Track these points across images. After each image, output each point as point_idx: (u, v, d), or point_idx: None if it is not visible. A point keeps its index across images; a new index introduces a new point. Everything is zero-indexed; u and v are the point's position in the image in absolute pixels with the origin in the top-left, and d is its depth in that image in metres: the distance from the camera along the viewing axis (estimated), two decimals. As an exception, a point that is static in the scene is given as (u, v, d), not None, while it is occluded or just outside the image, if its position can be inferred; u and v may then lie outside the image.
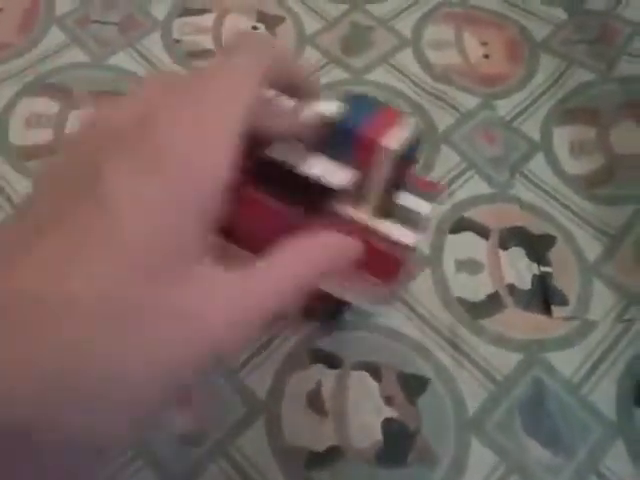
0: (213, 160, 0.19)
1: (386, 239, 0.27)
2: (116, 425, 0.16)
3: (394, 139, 0.25)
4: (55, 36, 0.49)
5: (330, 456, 0.33)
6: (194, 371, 0.17)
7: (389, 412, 0.35)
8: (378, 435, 0.34)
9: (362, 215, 0.27)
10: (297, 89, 0.25)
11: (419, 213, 0.27)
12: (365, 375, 0.36)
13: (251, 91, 0.21)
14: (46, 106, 0.45)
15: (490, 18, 0.52)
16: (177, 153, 0.18)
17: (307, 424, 0.34)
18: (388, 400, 0.35)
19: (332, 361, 0.36)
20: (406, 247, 0.27)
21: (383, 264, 0.27)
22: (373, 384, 0.35)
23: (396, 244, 0.27)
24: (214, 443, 0.33)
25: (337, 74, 0.48)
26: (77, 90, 0.46)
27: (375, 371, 0.36)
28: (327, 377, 0.36)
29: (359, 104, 0.26)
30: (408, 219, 0.27)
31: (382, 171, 0.25)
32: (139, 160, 0.18)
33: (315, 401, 0.35)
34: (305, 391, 0.35)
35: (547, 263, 0.40)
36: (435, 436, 0.34)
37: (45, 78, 0.46)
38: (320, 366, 0.36)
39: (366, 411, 0.35)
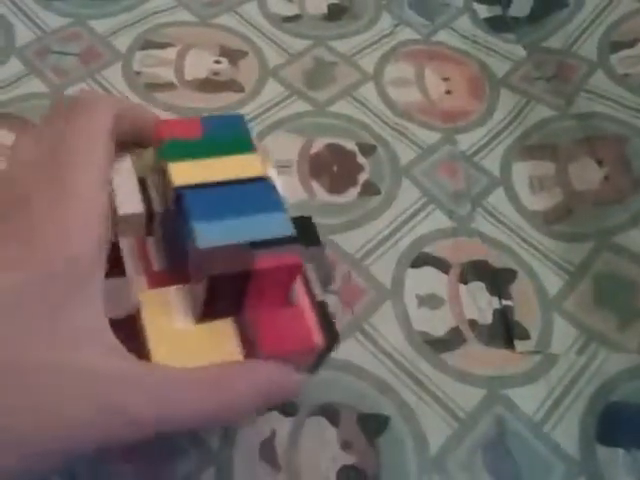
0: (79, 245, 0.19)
1: None
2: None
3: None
4: (14, 66, 0.48)
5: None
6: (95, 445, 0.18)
7: (346, 459, 0.33)
8: (333, 487, 0.33)
9: None
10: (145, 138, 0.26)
11: None
12: (322, 420, 0.34)
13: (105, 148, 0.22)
14: (2, 136, 0.44)
15: (452, 54, 0.53)
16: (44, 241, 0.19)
17: (259, 477, 0.33)
18: (346, 445, 0.34)
19: (287, 408, 0.35)
20: None
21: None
22: (331, 430, 0.34)
23: None
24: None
25: (300, 106, 0.48)
26: (35, 120, 0.45)
27: (333, 414, 0.35)
28: (282, 425, 0.34)
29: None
30: None
31: None
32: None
33: (268, 452, 0.33)
34: (259, 440, 0.34)
35: (508, 297, 0.40)
36: (395, 479, 0.33)
37: (2, 108, 0.45)
38: (275, 413, 0.34)
39: (322, 462, 0.33)
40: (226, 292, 0.22)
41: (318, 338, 0.25)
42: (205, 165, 0.24)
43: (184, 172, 0.23)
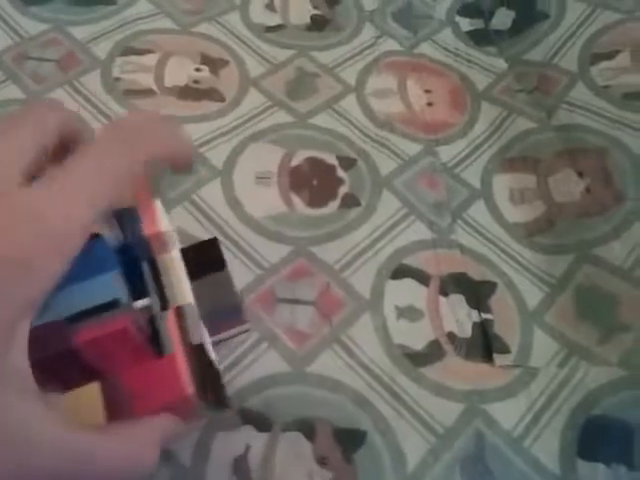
0: None
1: None
2: None
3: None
4: (-10, 72, 0.47)
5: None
6: None
7: (323, 474, 0.33)
8: (308, 504, 0.32)
9: None
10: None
11: None
12: (298, 436, 0.34)
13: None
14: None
15: (432, 66, 0.53)
16: None
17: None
18: (322, 461, 0.33)
19: (262, 422, 0.34)
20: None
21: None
22: (306, 445, 0.33)
23: None
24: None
25: (281, 117, 0.47)
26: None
27: (309, 430, 0.34)
28: (256, 441, 0.33)
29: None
30: None
31: None
32: None
33: (242, 469, 0.32)
34: (232, 456, 0.33)
35: (488, 310, 0.39)
36: (372, 494, 0.32)
37: (-25, 114, 0.45)
38: (249, 427, 0.34)
39: (297, 477, 0.32)
40: (60, 369, 0.22)
41: (189, 386, 0.24)
42: None
43: None
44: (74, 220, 0.20)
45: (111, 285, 0.23)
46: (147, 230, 0.27)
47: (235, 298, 0.29)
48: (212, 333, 0.29)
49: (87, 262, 0.22)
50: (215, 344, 0.29)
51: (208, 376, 0.25)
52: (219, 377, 0.26)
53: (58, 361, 0.21)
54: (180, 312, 0.26)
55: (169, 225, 0.28)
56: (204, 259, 0.27)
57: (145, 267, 0.26)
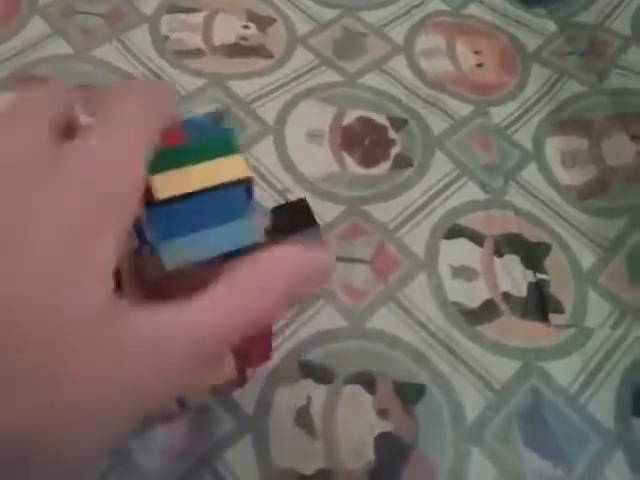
0: None
1: None
2: (84, 441, 0.16)
3: None
4: (38, 26, 0.47)
5: (319, 480, 0.32)
6: (161, 401, 0.17)
7: (383, 426, 0.33)
8: (370, 454, 0.32)
9: None
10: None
11: None
12: (358, 389, 0.34)
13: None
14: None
15: (481, 28, 0.52)
16: None
17: (296, 444, 0.32)
18: (382, 413, 0.34)
19: (323, 375, 0.34)
20: None
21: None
22: (367, 398, 0.34)
23: None
24: (200, 458, 0.31)
25: (330, 76, 0.47)
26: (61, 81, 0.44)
27: (369, 382, 0.34)
28: (317, 393, 0.34)
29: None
30: None
31: None
32: None
33: (304, 419, 0.33)
34: (294, 407, 0.33)
35: (543, 271, 0.39)
36: (432, 447, 0.33)
37: (27, 69, 0.44)
38: (310, 381, 0.34)
39: (358, 429, 0.33)
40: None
41: None
42: (184, 174, 0.22)
43: (164, 185, 0.22)
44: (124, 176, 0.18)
45: (253, 229, 0.22)
46: None
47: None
48: None
49: (230, 206, 0.22)
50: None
51: None
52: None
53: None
54: None
55: None
56: (295, 216, 0.26)
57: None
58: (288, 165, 0.42)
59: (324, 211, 0.40)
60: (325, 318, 0.36)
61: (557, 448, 0.33)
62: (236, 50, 0.48)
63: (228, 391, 0.32)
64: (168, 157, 0.22)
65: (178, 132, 0.23)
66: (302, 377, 0.34)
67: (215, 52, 0.47)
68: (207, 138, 0.23)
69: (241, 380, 0.30)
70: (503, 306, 0.38)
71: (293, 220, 0.26)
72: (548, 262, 0.40)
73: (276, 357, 0.34)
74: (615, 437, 0.34)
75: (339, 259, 0.38)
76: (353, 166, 0.43)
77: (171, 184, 0.22)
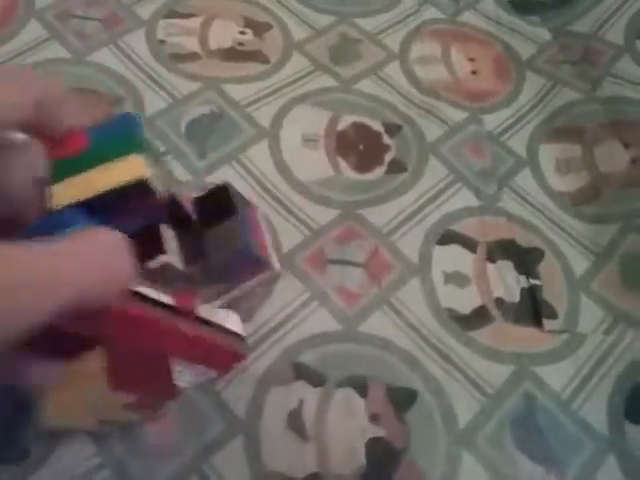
0: None
1: (221, 332, 0.25)
2: None
3: None
4: (34, 30, 0.47)
5: (309, 485, 0.31)
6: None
7: (375, 431, 0.33)
8: (362, 459, 0.32)
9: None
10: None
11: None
12: (350, 392, 0.34)
13: None
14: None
15: (476, 35, 0.53)
16: None
17: (287, 447, 0.32)
18: (374, 418, 0.34)
19: (315, 378, 0.34)
20: (241, 338, 0.26)
21: (221, 357, 0.26)
22: (359, 401, 0.34)
23: (232, 336, 0.26)
24: (188, 459, 0.31)
25: (325, 81, 0.47)
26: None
27: (361, 386, 0.34)
28: (310, 396, 0.34)
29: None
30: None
31: None
32: None
33: (296, 423, 0.33)
34: (286, 410, 0.33)
35: (536, 276, 0.39)
36: (424, 453, 0.33)
37: (22, 71, 0.44)
38: (303, 383, 0.34)
39: (350, 434, 0.33)
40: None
41: None
42: (81, 181, 0.22)
43: (58, 194, 0.22)
44: None
45: None
46: None
47: (246, 243, 0.27)
48: (236, 280, 0.28)
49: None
50: (243, 293, 0.28)
51: None
52: None
53: None
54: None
55: None
56: (216, 207, 0.26)
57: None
58: (283, 169, 0.42)
59: (320, 214, 0.40)
60: (319, 320, 0.36)
61: (550, 453, 0.33)
62: (232, 54, 0.48)
63: (153, 409, 0.31)
64: (68, 166, 0.22)
65: (82, 138, 0.23)
66: (295, 379, 0.34)
67: (211, 56, 0.48)
68: (110, 140, 0.23)
69: (168, 396, 0.29)
70: (495, 312, 0.38)
71: (215, 209, 0.26)
72: (541, 268, 0.40)
73: (269, 358, 0.34)
74: (608, 442, 0.34)
75: (335, 262, 0.38)
76: (348, 171, 0.43)
77: (66, 192, 0.22)
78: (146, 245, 0.23)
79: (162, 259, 0.24)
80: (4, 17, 0.47)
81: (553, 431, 0.34)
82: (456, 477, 0.32)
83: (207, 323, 0.25)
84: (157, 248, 0.24)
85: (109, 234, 0.19)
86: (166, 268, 0.24)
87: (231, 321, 0.26)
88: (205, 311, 0.25)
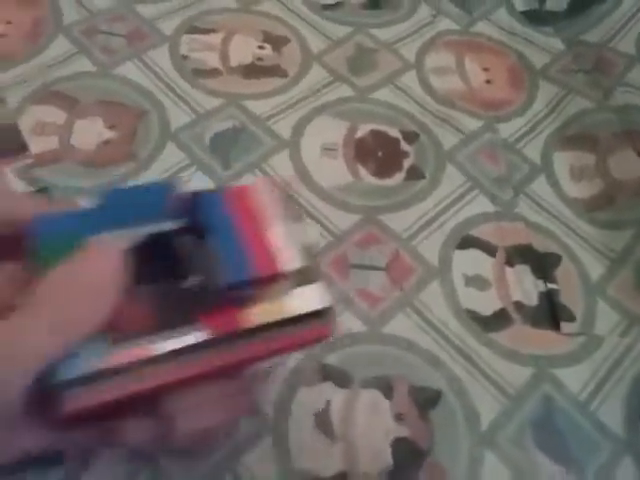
0: None
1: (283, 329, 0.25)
2: None
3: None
4: (62, 45, 0.48)
5: (337, 483, 0.32)
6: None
7: (400, 431, 0.34)
8: (388, 459, 0.33)
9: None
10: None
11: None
12: (376, 393, 0.35)
13: None
14: (52, 114, 0.45)
15: (490, 45, 0.54)
16: None
17: (315, 447, 0.33)
18: (399, 417, 0.35)
19: (341, 378, 0.35)
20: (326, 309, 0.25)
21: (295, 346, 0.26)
22: (384, 402, 0.35)
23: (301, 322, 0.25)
24: (220, 458, 0.32)
25: (344, 91, 0.49)
26: (83, 99, 0.46)
27: (386, 387, 0.35)
28: (336, 396, 0.35)
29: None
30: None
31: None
32: None
33: (324, 423, 0.34)
34: (313, 410, 0.34)
35: (553, 280, 0.40)
36: (447, 452, 0.34)
37: (52, 86, 0.46)
38: (330, 384, 0.35)
39: (376, 434, 0.34)
40: None
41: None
42: None
43: None
44: None
45: None
46: None
47: (228, 280, 0.24)
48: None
49: None
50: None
51: None
52: None
53: None
54: None
55: None
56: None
57: None
58: (304, 176, 0.43)
59: (340, 220, 0.42)
60: (344, 323, 0.37)
61: (569, 454, 0.34)
62: (252, 71, 0.49)
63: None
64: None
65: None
66: (322, 380, 0.35)
67: (232, 72, 0.49)
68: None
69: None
70: (515, 315, 0.39)
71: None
72: (558, 272, 0.41)
73: (296, 360, 0.35)
74: (624, 443, 0.35)
75: (357, 266, 0.40)
76: (368, 177, 0.44)
77: None
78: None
79: None
80: (34, 33, 0.49)
81: (572, 432, 0.35)
82: (479, 477, 0.33)
83: (266, 327, 0.24)
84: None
85: None
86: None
87: (306, 297, 0.25)
88: (264, 313, 0.24)
